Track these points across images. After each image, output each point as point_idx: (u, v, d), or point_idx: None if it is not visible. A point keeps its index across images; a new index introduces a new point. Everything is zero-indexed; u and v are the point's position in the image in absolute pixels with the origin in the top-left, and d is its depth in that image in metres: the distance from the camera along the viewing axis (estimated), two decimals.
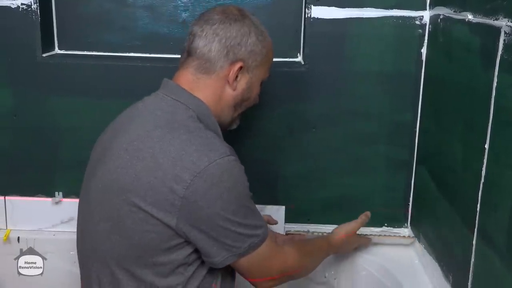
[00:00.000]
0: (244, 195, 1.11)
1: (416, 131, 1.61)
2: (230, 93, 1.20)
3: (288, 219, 1.71)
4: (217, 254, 1.10)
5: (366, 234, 1.66)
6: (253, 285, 1.22)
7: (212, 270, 1.16)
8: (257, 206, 1.67)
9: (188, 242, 1.09)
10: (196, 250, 1.11)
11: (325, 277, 1.68)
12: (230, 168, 1.07)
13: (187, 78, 1.18)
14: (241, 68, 1.18)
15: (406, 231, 1.69)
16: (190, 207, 1.04)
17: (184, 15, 1.65)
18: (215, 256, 1.10)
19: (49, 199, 1.70)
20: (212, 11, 1.20)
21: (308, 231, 1.69)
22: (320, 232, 1.68)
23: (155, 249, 1.08)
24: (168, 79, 1.20)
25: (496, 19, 1.07)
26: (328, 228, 1.66)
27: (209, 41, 1.16)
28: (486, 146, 1.10)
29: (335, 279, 1.67)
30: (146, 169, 1.05)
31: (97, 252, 1.13)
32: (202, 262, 1.14)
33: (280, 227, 1.70)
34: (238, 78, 1.19)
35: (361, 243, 1.61)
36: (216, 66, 1.16)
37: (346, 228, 1.49)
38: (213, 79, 1.17)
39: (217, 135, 1.17)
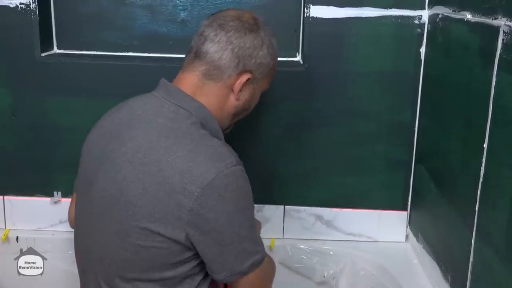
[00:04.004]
0: (250, 207, 1.11)
1: (415, 131, 1.61)
2: (232, 102, 1.18)
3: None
4: (219, 271, 1.08)
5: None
6: None
7: None
8: (256, 205, 1.68)
9: (195, 255, 1.08)
10: (203, 261, 1.10)
11: (324, 276, 1.68)
12: (236, 179, 1.05)
13: (192, 82, 1.15)
14: (248, 79, 1.16)
15: (405, 230, 1.69)
16: (197, 220, 1.02)
17: (182, 14, 1.65)
18: (217, 272, 1.08)
19: (48, 199, 1.71)
20: (226, 15, 1.17)
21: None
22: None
23: (162, 265, 1.07)
24: (166, 81, 1.17)
25: (495, 19, 1.07)
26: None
27: (221, 48, 1.13)
28: (485, 145, 1.10)
29: (333, 278, 1.67)
30: (153, 184, 1.03)
31: (103, 263, 1.11)
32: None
33: (279, 226, 1.70)
34: (243, 89, 1.17)
35: None
36: (225, 74, 1.14)
37: None
38: (218, 87, 1.15)
39: (220, 139, 1.16)
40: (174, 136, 1.06)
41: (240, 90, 1.17)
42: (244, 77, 1.16)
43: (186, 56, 1.19)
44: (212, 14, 1.21)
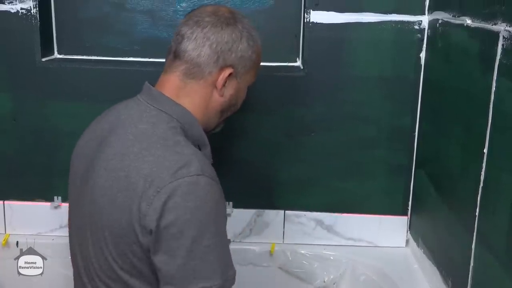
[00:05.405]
0: (209, 223, 0.99)
1: (415, 136, 1.61)
2: (217, 99, 1.15)
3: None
4: (162, 284, 0.99)
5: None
6: None
7: None
8: (256, 210, 1.69)
9: None
10: None
11: (324, 282, 1.68)
12: (197, 189, 0.98)
13: (174, 84, 1.12)
14: (230, 74, 1.13)
15: (405, 235, 1.69)
16: (150, 225, 0.97)
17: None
18: (161, 284, 0.99)
19: (48, 204, 1.70)
20: (202, 12, 1.14)
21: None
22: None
23: (140, 266, 1.03)
24: (150, 85, 1.14)
25: (495, 24, 1.07)
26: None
27: (199, 45, 1.10)
28: (485, 150, 1.10)
29: (334, 284, 1.67)
30: (121, 190, 1.00)
31: (90, 270, 1.10)
32: None
33: (279, 231, 1.70)
34: (226, 84, 1.14)
35: None
36: (205, 71, 1.11)
37: None
38: (200, 85, 1.12)
39: (203, 144, 1.14)
40: (148, 141, 1.04)
41: (224, 86, 1.13)
42: (226, 72, 1.12)
43: (166, 58, 1.17)
44: (189, 13, 1.18)
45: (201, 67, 1.11)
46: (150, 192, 0.97)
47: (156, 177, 0.98)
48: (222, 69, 1.12)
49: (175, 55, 1.13)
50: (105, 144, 1.09)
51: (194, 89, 1.12)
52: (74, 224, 1.17)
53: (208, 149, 1.16)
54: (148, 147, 1.03)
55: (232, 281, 1.03)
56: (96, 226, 1.05)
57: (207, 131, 1.18)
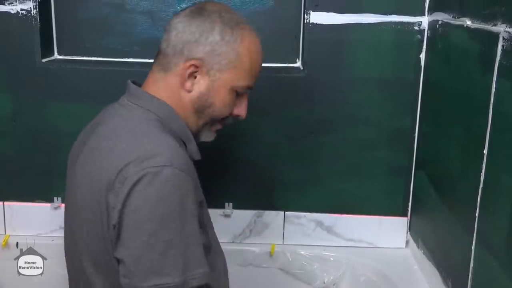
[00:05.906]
0: (174, 217, 0.95)
1: (415, 137, 1.61)
2: (186, 94, 1.08)
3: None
4: (122, 275, 0.95)
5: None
6: None
7: None
8: (256, 211, 1.69)
9: None
10: None
11: (324, 283, 1.67)
12: (161, 180, 0.94)
13: (153, 77, 1.11)
14: (196, 67, 1.06)
15: (405, 236, 1.69)
16: (115, 215, 0.95)
17: None
18: (121, 275, 0.95)
19: (48, 204, 1.70)
20: (192, 5, 1.12)
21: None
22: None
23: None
24: (129, 82, 1.13)
25: (495, 25, 1.07)
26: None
27: (169, 36, 1.08)
28: (485, 151, 1.10)
29: (334, 284, 1.67)
30: (93, 183, 0.99)
31: (82, 269, 1.09)
32: None
33: (279, 232, 1.70)
34: (197, 80, 1.08)
35: None
36: (171, 62, 1.07)
37: None
38: (169, 77, 1.08)
39: (187, 139, 1.10)
40: (119, 134, 1.02)
41: (190, 80, 1.07)
42: (188, 64, 1.06)
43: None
44: None
45: (169, 57, 1.08)
46: (116, 184, 0.95)
47: (123, 168, 0.95)
48: (187, 61, 1.06)
49: (158, 49, 1.12)
50: (85, 143, 1.09)
51: (166, 82, 1.09)
52: (69, 224, 1.17)
53: (193, 144, 1.12)
54: (120, 139, 1.01)
55: (200, 279, 0.97)
56: (82, 220, 1.05)
57: (194, 135, 1.13)
